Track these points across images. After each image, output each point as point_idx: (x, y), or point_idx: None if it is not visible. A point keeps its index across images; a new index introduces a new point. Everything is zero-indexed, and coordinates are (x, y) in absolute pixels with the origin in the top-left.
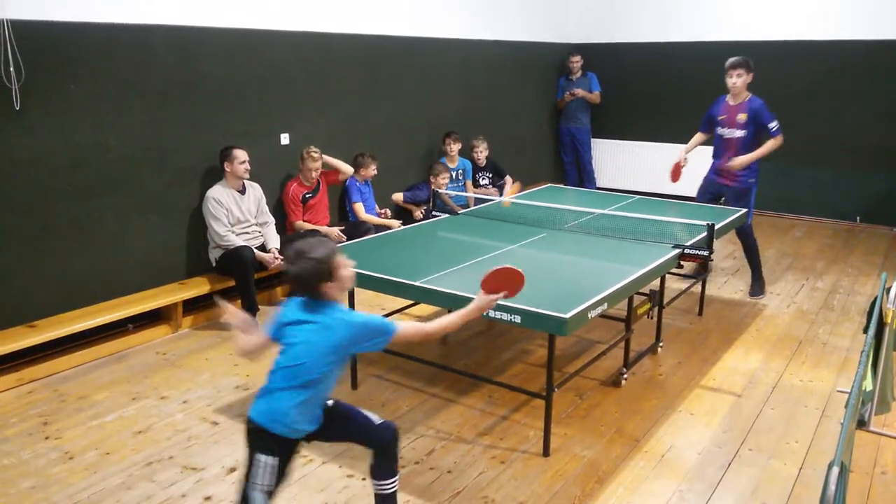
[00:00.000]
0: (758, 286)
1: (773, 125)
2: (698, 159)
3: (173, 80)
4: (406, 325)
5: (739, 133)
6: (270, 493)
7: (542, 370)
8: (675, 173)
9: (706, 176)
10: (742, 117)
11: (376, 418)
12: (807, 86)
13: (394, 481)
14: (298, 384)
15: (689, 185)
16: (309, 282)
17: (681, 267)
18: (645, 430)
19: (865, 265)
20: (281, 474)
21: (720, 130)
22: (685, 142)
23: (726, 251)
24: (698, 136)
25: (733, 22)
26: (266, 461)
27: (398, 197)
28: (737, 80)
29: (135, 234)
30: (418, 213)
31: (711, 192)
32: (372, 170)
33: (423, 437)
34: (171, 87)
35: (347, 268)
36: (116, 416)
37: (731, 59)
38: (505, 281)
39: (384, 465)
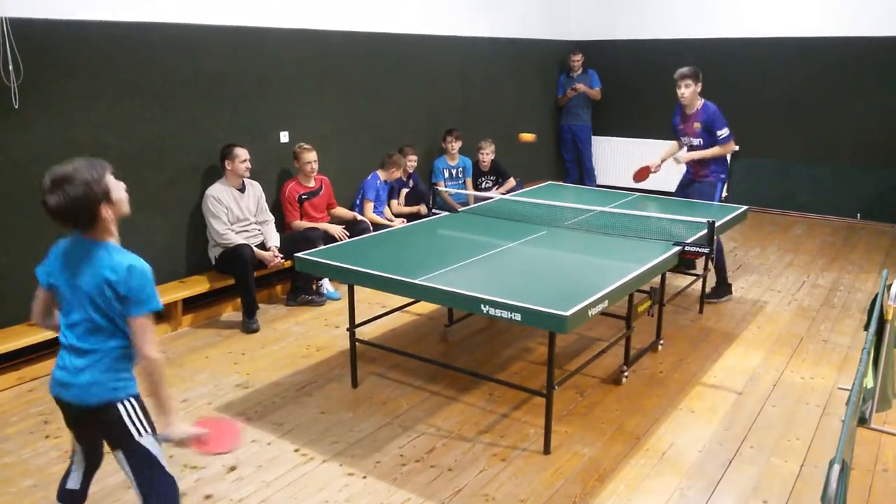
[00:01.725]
0: (721, 290)
1: (722, 132)
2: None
3: (172, 78)
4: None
5: (696, 141)
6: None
7: (543, 368)
8: (641, 175)
9: (684, 176)
10: (697, 126)
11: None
12: (807, 82)
13: None
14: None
15: (668, 182)
16: (81, 211)
17: (693, 268)
18: (646, 428)
19: (866, 262)
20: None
21: (683, 139)
22: None
23: (727, 248)
24: (673, 146)
25: (734, 19)
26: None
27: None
28: (685, 91)
29: (134, 233)
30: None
31: (681, 186)
32: (395, 173)
33: (423, 434)
34: (170, 85)
35: (121, 189)
36: None
37: (679, 70)
38: (218, 436)
39: None
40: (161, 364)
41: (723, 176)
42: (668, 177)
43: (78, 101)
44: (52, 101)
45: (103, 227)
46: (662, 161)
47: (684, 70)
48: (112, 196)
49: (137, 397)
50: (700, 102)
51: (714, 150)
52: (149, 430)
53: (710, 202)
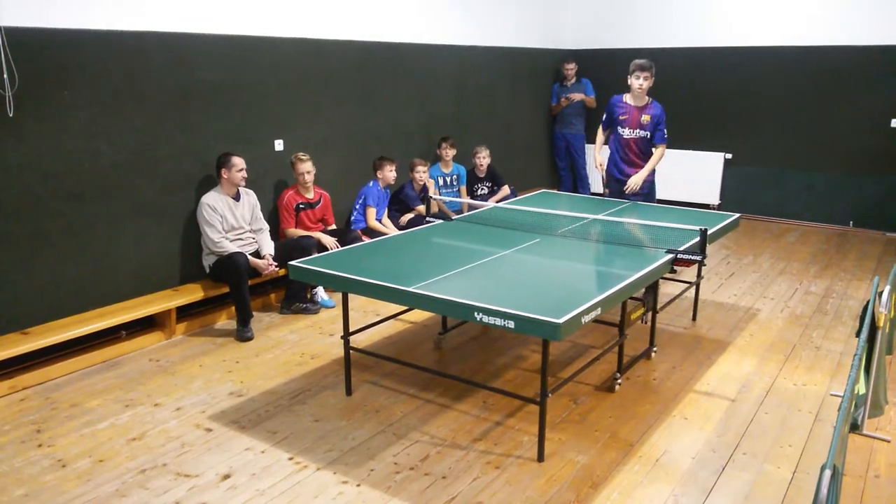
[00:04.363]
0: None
1: (664, 133)
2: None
3: (167, 86)
4: None
5: (642, 133)
6: None
7: (537, 375)
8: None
9: (607, 169)
10: (646, 119)
11: None
12: (799, 91)
13: None
14: None
15: (679, 192)
16: None
17: (674, 272)
18: (639, 435)
19: (859, 269)
20: None
21: (621, 130)
22: (678, 147)
23: (720, 255)
24: (603, 135)
25: (726, 28)
26: None
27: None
28: (643, 83)
29: (128, 241)
30: (404, 219)
31: (614, 189)
32: (388, 171)
33: (417, 442)
34: (164, 93)
35: None
36: (109, 423)
37: (639, 61)
38: None
39: None
40: None
41: (651, 178)
42: (671, 186)
43: (72, 110)
44: (47, 110)
45: None
46: (599, 151)
47: (643, 62)
48: None
49: None
50: (649, 98)
51: (657, 157)
52: None
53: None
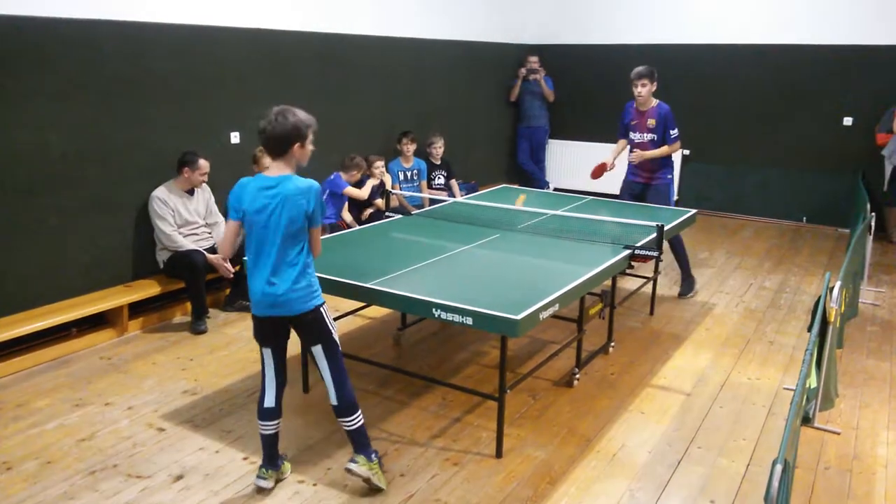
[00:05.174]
0: (688, 284)
1: (675, 132)
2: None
3: (118, 76)
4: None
5: (649, 136)
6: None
7: (496, 371)
8: (598, 172)
9: (625, 179)
10: (651, 122)
11: None
12: (756, 89)
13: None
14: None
15: (615, 185)
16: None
17: (632, 267)
18: (597, 430)
19: (811, 265)
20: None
21: (631, 135)
22: None
23: None
24: (621, 143)
25: (683, 26)
26: None
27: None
28: (641, 90)
29: (78, 235)
30: (365, 213)
31: (631, 192)
32: (355, 175)
33: (375, 440)
34: (115, 83)
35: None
36: (58, 423)
37: (637, 70)
38: None
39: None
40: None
41: (670, 177)
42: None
43: (17, 100)
44: None
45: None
46: (615, 159)
47: (641, 70)
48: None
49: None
50: (655, 101)
51: (664, 150)
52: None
53: (665, 206)
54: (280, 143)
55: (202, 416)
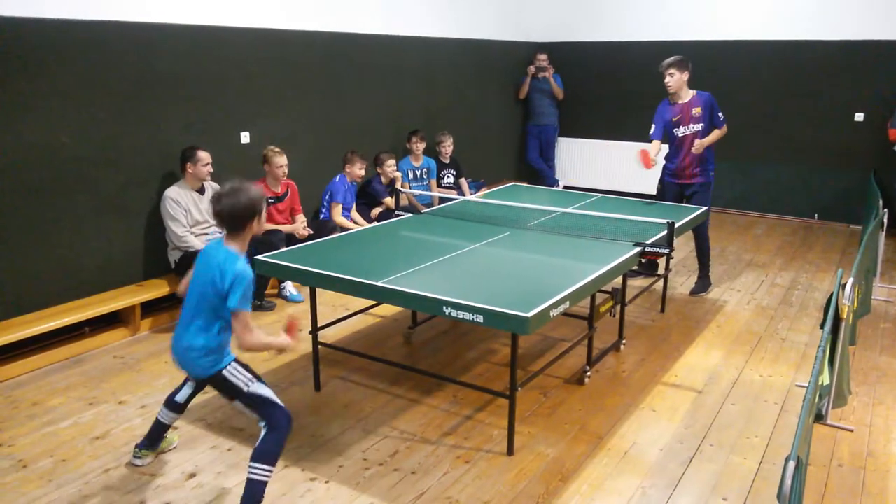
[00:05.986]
0: (703, 284)
1: (722, 115)
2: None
3: (130, 77)
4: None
5: (697, 127)
6: None
7: (506, 369)
8: (647, 159)
9: (663, 180)
10: (697, 111)
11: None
12: (766, 85)
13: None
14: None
15: (628, 183)
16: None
17: (641, 264)
18: (608, 428)
19: (823, 261)
20: None
21: (676, 131)
22: (647, 140)
23: (689, 248)
24: (655, 144)
25: (695, 21)
26: None
27: (375, 213)
28: (669, 80)
29: (91, 236)
30: (375, 212)
31: (673, 194)
32: (358, 168)
33: (387, 438)
34: (127, 84)
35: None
36: (72, 422)
37: (664, 61)
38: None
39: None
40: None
41: (712, 173)
42: (640, 178)
43: (31, 101)
44: (4, 101)
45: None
46: (656, 154)
47: (669, 59)
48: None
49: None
50: (692, 91)
51: (717, 133)
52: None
53: (703, 205)
54: (235, 221)
55: (214, 415)
